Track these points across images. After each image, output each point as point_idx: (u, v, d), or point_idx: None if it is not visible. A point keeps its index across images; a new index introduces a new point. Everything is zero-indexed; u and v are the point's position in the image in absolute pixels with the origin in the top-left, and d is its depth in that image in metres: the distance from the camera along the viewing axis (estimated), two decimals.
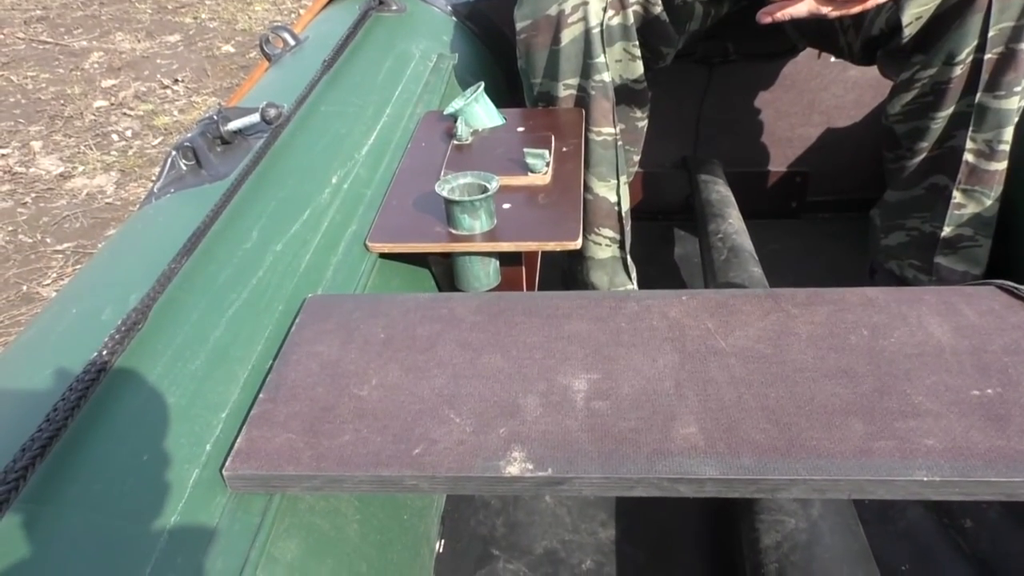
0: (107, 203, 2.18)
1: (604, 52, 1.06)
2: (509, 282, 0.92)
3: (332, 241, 0.87)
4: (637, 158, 1.28)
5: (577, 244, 0.84)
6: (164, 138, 2.52)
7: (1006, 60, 1.03)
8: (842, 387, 0.61)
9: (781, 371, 0.63)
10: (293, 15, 3.57)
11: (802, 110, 1.53)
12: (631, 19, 1.05)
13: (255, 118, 1.05)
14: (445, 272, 0.93)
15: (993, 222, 1.14)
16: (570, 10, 1.03)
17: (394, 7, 1.48)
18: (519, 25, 1.10)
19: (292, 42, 1.45)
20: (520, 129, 1.08)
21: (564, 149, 1.02)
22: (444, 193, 0.85)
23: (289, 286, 0.79)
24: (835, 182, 1.56)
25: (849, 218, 1.51)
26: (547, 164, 0.95)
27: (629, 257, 1.25)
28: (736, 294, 0.71)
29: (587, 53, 1.06)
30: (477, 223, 0.86)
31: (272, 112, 1.04)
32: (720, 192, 1.42)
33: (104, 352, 0.63)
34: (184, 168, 1.01)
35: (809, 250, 1.50)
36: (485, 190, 0.86)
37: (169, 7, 3.87)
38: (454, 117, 1.09)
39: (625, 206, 1.20)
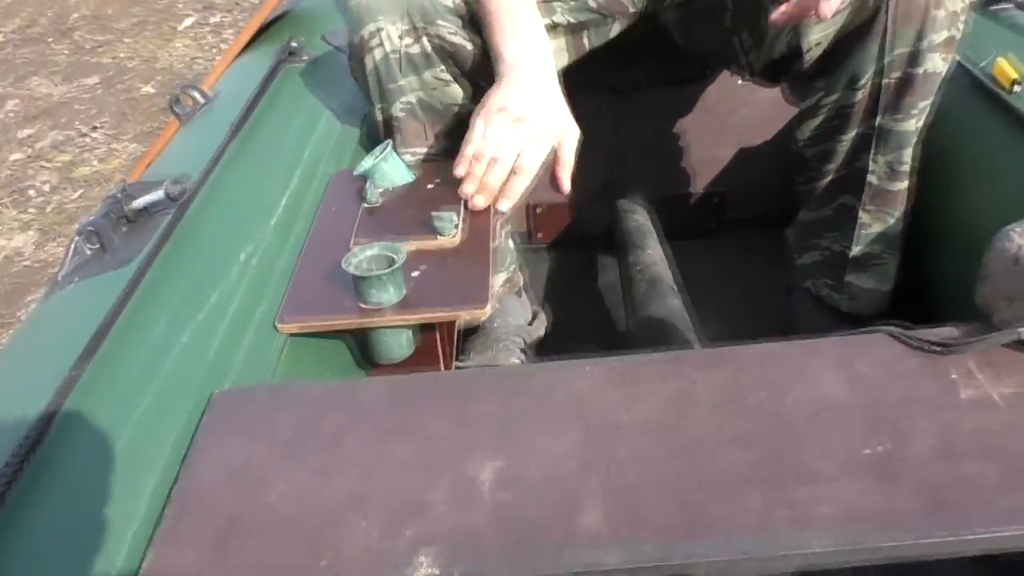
0: (25, 266, 2.13)
1: (404, 77, 1.07)
2: (425, 349, 0.92)
3: (241, 325, 0.86)
4: None
5: (486, 312, 0.85)
6: (84, 190, 2.47)
7: (904, 84, 1.06)
8: (741, 454, 0.63)
9: (682, 442, 0.64)
10: (215, 50, 3.52)
11: (714, 132, 1.56)
12: (429, 47, 1.06)
13: (160, 195, 1.04)
14: (360, 342, 0.92)
15: (899, 239, 1.17)
16: (368, 36, 1.04)
17: (304, 57, 1.47)
18: (348, 53, 1.12)
19: (202, 100, 1.43)
20: (430, 185, 1.08)
21: None
22: (351, 269, 0.85)
23: (196, 381, 0.78)
24: (752, 200, 1.59)
25: (767, 234, 1.54)
26: (456, 226, 0.96)
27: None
28: (639, 361, 0.73)
29: (388, 78, 1.07)
30: (385, 296, 0.86)
31: (176, 189, 1.03)
32: (638, 221, 1.44)
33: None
34: (88, 253, 1.00)
35: (729, 270, 1.52)
36: (393, 261, 0.86)
37: (87, 47, 3.78)
38: (364, 176, 1.08)
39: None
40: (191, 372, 0.79)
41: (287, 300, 0.89)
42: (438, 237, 0.96)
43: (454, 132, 1.16)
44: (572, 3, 1.21)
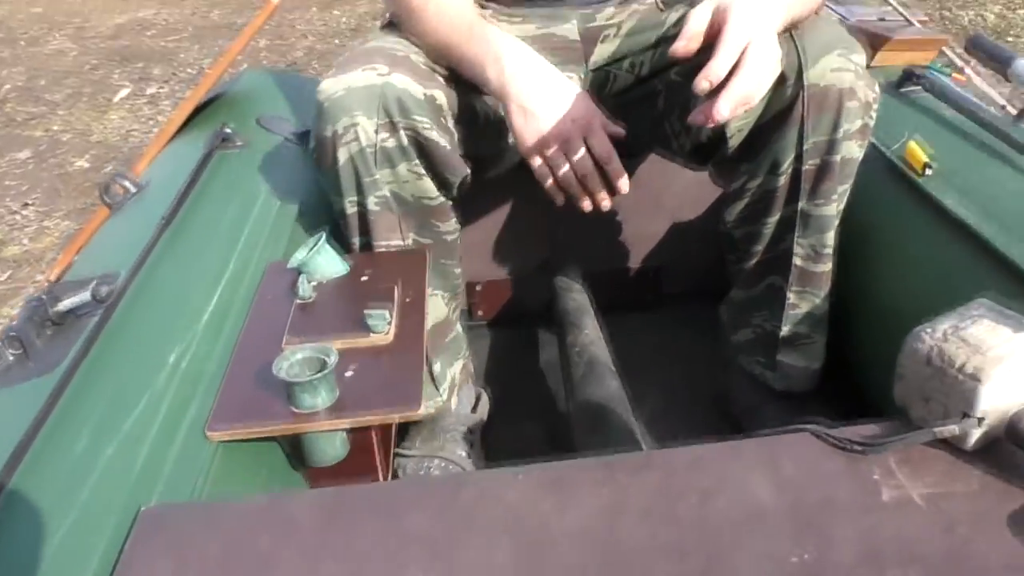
0: None
1: (379, 170, 1.09)
2: (360, 450, 0.91)
3: (170, 433, 0.84)
4: (458, 271, 1.29)
5: (418, 413, 0.85)
6: (12, 271, 2.41)
7: (823, 170, 1.10)
8: (673, 565, 0.63)
9: (614, 554, 0.64)
10: (151, 122, 3.49)
11: (648, 208, 1.59)
12: (405, 140, 1.07)
13: (86, 296, 1.02)
14: (293, 446, 0.91)
15: (825, 319, 1.21)
16: (342, 131, 1.05)
17: (239, 142, 1.46)
18: (311, 146, 1.13)
19: (133, 189, 1.41)
20: (364, 278, 1.08)
21: (407, 299, 1.03)
22: (281, 374, 0.85)
23: (124, 494, 0.76)
24: (687, 274, 1.62)
25: (703, 307, 1.57)
26: (388, 323, 0.96)
27: (435, 367, 1.25)
28: (571, 466, 0.73)
29: (364, 171, 1.08)
30: (318, 399, 0.85)
31: (103, 290, 1.01)
32: (576, 300, 1.46)
33: None
34: (11, 359, 0.97)
35: (666, 344, 1.54)
36: (325, 364, 0.86)
37: (18, 119, 3.72)
38: (298, 269, 1.08)
39: (431, 321, 1.20)
40: (118, 485, 0.77)
41: (217, 407, 0.87)
42: (371, 335, 0.95)
43: (425, 225, 1.17)
44: None
